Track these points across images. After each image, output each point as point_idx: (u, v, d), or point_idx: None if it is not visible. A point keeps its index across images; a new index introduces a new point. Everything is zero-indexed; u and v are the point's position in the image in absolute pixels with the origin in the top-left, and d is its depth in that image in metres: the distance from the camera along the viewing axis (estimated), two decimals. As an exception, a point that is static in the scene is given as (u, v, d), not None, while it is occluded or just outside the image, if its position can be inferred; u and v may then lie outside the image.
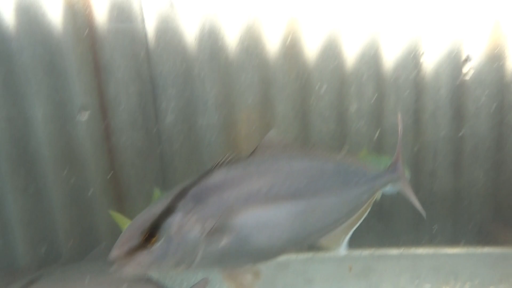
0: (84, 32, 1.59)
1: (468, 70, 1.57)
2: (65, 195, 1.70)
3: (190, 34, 1.64)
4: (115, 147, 1.73)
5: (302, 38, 1.63)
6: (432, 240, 1.71)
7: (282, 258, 0.97)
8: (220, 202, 0.81)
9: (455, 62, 1.61)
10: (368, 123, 1.70)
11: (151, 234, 0.77)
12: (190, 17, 1.62)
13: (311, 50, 1.64)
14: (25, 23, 1.53)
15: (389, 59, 1.63)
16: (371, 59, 1.63)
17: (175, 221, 0.78)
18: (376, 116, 1.70)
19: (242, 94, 1.70)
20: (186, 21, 1.63)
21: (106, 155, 1.73)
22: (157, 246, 0.77)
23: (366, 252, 1.63)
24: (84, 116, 1.62)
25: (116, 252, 0.77)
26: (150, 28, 1.63)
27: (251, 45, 1.65)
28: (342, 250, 0.97)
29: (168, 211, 0.80)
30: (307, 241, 0.93)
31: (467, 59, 1.51)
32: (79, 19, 1.58)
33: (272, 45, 1.65)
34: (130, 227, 0.80)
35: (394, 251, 1.64)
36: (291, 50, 1.64)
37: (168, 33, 1.64)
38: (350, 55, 1.64)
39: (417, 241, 1.70)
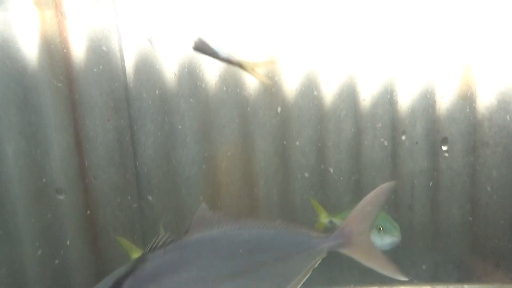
0: (60, 67, 1.56)
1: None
2: (37, 235, 1.63)
3: (169, 69, 1.64)
4: (91, 183, 1.68)
5: (282, 75, 1.66)
6: (412, 277, 1.72)
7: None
8: None
9: (428, 101, 1.66)
10: (347, 158, 1.72)
11: None
12: (169, 53, 1.62)
13: (290, 87, 1.66)
14: (-1, 59, 1.50)
15: (366, 97, 1.67)
16: (349, 97, 1.66)
17: None
18: (354, 151, 1.72)
19: (222, 130, 1.69)
20: (166, 57, 1.63)
21: (82, 192, 1.68)
22: None
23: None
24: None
25: None
26: (129, 63, 1.62)
27: (231, 81, 1.66)
28: None
29: None
30: None
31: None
32: (55, 55, 1.55)
33: (252, 81, 1.66)
34: None
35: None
36: (271, 86, 1.66)
37: (147, 68, 1.63)
38: (329, 93, 1.67)
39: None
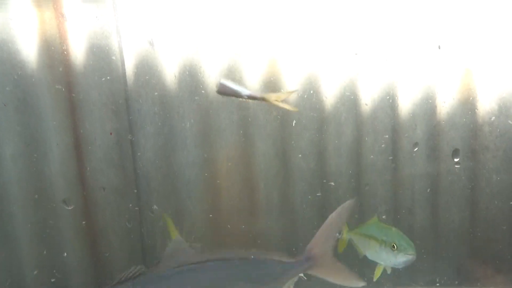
0: (60, 69, 1.55)
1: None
2: (35, 237, 1.62)
3: (170, 72, 1.63)
4: (90, 186, 1.66)
5: (282, 78, 1.65)
6: (411, 281, 1.72)
7: None
8: None
9: (430, 105, 1.66)
10: (347, 161, 1.72)
11: None
12: (170, 55, 1.61)
13: (291, 90, 1.65)
14: (-2, 61, 1.48)
15: (367, 100, 1.67)
16: (349, 100, 1.66)
17: None
18: (354, 154, 1.72)
19: (222, 132, 1.68)
20: (166, 59, 1.62)
21: (81, 195, 1.66)
22: None
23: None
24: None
25: None
26: (129, 65, 1.61)
27: (232, 84, 1.65)
28: None
29: None
30: None
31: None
32: (55, 56, 1.54)
33: (253, 83, 1.66)
34: None
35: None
36: (271, 89, 1.65)
37: (147, 70, 1.62)
38: (330, 96, 1.66)
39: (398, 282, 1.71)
